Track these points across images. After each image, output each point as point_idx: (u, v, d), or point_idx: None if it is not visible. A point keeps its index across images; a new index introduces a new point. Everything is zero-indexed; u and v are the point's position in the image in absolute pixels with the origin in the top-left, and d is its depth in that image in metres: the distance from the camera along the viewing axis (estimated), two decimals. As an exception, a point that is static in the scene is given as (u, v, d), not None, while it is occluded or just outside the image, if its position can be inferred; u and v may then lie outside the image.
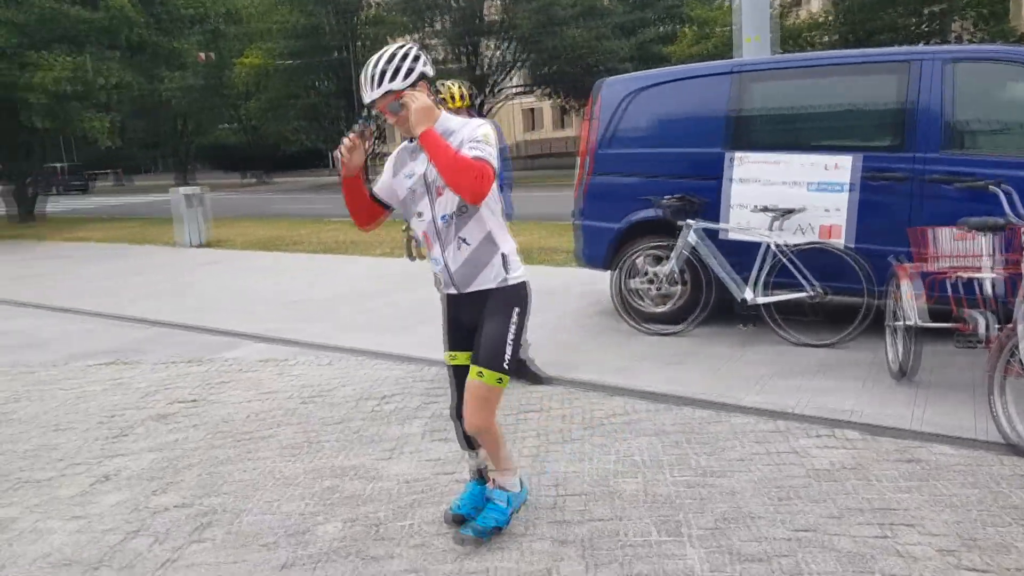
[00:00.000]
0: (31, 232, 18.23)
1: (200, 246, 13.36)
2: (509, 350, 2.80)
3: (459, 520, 3.09)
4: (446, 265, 2.84)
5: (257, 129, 40.04)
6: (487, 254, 2.82)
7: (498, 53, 34.49)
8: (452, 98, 4.52)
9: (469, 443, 3.10)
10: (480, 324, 2.85)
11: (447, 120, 2.80)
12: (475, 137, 2.69)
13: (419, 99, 2.68)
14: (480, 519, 3.00)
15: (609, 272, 6.04)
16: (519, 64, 35.14)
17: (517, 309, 2.84)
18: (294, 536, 3.14)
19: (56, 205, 23.55)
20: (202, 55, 18.95)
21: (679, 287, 5.77)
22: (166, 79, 19.41)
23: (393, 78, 2.69)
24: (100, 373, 5.75)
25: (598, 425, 4.12)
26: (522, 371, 4.88)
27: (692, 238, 5.49)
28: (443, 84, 4.56)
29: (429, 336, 5.10)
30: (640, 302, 5.94)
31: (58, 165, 41.80)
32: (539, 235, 11.11)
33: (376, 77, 2.69)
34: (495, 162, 2.68)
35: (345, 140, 2.74)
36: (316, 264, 10.42)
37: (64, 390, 5.37)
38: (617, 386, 4.66)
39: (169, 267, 11.19)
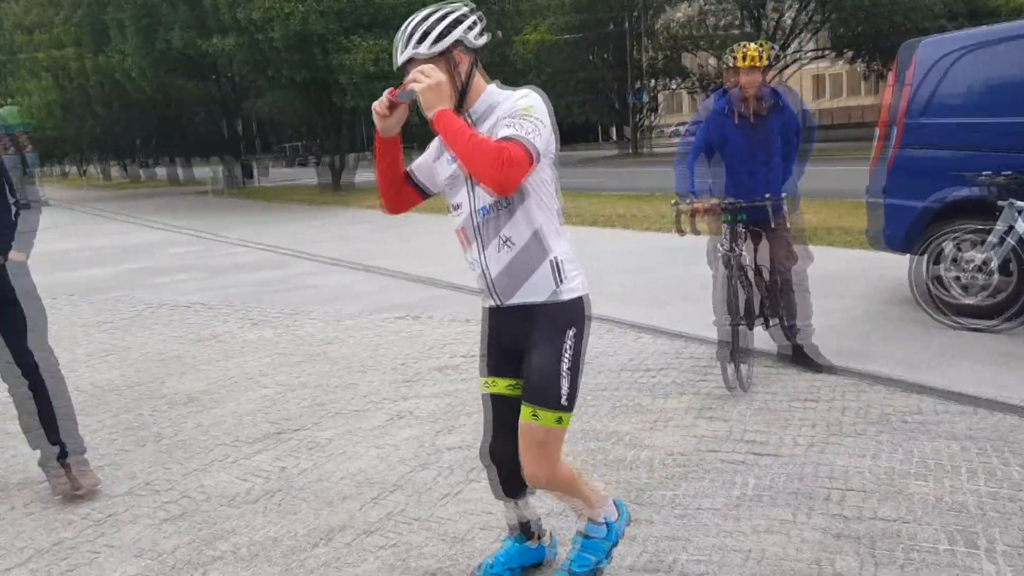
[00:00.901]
0: (339, 199, 20.83)
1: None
2: (566, 383, 2.28)
3: None
4: (485, 270, 2.35)
5: (535, 104, 41.69)
6: (535, 258, 2.28)
7: (790, 15, 32.14)
8: (744, 58, 4.28)
9: (507, 489, 2.55)
10: (527, 351, 2.33)
11: (492, 95, 2.28)
12: (514, 111, 2.16)
13: (427, 76, 2.10)
14: (576, 559, 2.54)
15: (910, 256, 5.43)
16: (815, 26, 32.48)
17: (572, 331, 2.30)
18: (560, 490, 3.27)
19: (355, 176, 26.60)
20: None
21: (997, 277, 5.03)
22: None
23: (420, 42, 2.15)
24: (394, 325, 6.42)
25: (886, 422, 3.76)
26: (800, 357, 4.59)
27: (1021, 224, 4.72)
28: (739, 44, 4.37)
29: (695, 312, 5.00)
30: (946, 292, 5.27)
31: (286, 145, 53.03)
32: (827, 214, 10.32)
33: (404, 39, 2.17)
34: (536, 140, 2.10)
35: (382, 99, 2.22)
36: (583, 237, 10.64)
37: (366, 337, 6.08)
38: (913, 382, 4.21)
39: (450, 234, 12.11)
